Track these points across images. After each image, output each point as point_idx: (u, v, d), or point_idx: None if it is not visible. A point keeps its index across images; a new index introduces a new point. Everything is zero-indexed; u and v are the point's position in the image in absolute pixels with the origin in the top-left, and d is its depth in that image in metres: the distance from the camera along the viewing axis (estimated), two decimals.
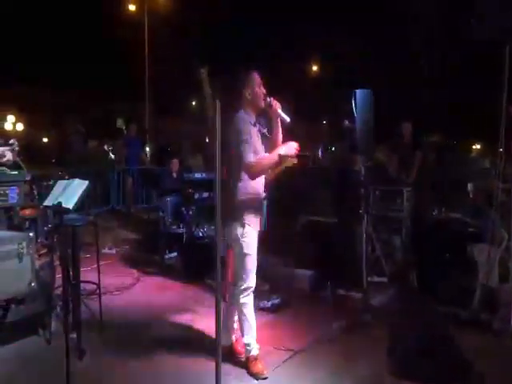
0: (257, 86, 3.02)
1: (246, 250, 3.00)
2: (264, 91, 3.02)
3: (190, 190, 6.08)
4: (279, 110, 3.01)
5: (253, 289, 3.12)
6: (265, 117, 3.11)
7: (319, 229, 5.09)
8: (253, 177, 2.94)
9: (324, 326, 3.67)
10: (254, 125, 3.02)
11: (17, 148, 3.94)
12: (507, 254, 3.60)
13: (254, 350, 3.06)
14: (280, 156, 2.86)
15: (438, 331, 3.24)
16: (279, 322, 3.85)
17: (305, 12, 16.29)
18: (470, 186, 5.20)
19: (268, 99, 2.99)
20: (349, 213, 4.62)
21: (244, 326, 3.10)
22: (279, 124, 3.07)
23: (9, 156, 3.81)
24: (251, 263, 3.06)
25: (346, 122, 4.38)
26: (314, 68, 23.51)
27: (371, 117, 4.24)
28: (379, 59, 14.43)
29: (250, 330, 3.08)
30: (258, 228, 3.06)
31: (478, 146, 14.96)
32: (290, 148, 2.90)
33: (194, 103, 24.37)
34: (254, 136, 2.96)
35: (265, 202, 4.91)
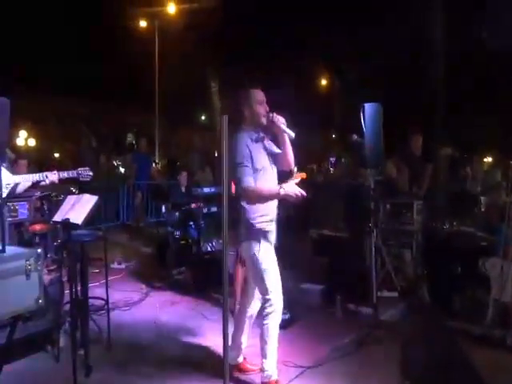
0: (257, 103, 2.96)
1: (263, 266, 2.91)
2: (267, 108, 2.96)
3: (199, 205, 6.09)
4: (282, 126, 2.93)
5: (277, 310, 2.95)
6: (271, 133, 3.07)
7: (329, 243, 5.06)
8: (249, 202, 2.89)
9: (334, 341, 3.62)
10: (257, 141, 2.97)
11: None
12: None
13: (274, 376, 2.95)
14: (282, 194, 2.78)
15: (450, 347, 3.17)
16: (289, 337, 3.79)
17: (315, 24, 16.40)
18: (482, 200, 5.14)
19: (270, 115, 2.93)
20: (359, 227, 4.58)
21: (264, 349, 2.97)
22: (286, 139, 2.99)
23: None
24: (270, 279, 2.93)
25: (355, 136, 4.37)
26: (323, 82, 23.62)
27: (380, 130, 4.22)
28: (389, 72, 14.44)
29: (271, 355, 2.96)
30: (273, 243, 3.00)
31: (490, 159, 14.81)
32: (295, 191, 2.78)
33: (203, 117, 24.60)
34: (256, 153, 2.90)
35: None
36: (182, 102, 19.05)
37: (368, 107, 4.18)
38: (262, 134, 3.01)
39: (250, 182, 2.84)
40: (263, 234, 2.93)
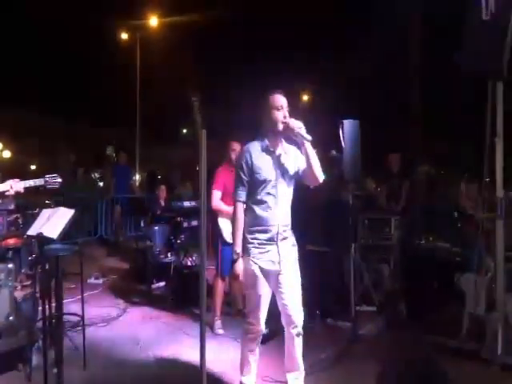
0: (273, 108, 2.78)
1: (249, 288, 2.84)
2: (285, 113, 2.78)
3: (179, 219, 6.06)
4: (297, 130, 2.73)
5: (256, 332, 2.89)
6: (294, 141, 2.88)
7: (309, 258, 5.06)
8: (245, 214, 2.84)
9: (313, 356, 3.61)
10: (265, 151, 2.82)
11: None
12: (493, 283, 3.61)
13: None
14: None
15: (426, 360, 3.20)
16: (267, 353, 3.76)
17: (293, 41, 16.70)
18: (457, 215, 5.25)
19: (286, 120, 2.76)
20: (337, 242, 4.62)
21: (241, 363, 2.98)
22: (307, 149, 2.76)
23: None
24: (253, 302, 2.84)
25: (333, 152, 4.44)
26: (305, 97, 23.93)
27: (358, 146, 4.30)
28: (369, 89, 14.75)
29: (247, 372, 2.96)
30: (266, 266, 2.80)
31: (466, 175, 15.19)
32: None
33: (184, 131, 24.58)
34: (259, 164, 2.79)
35: None
36: (163, 116, 19.05)
37: (347, 124, 4.27)
38: (269, 145, 2.84)
39: (238, 193, 2.84)
40: (253, 253, 2.79)
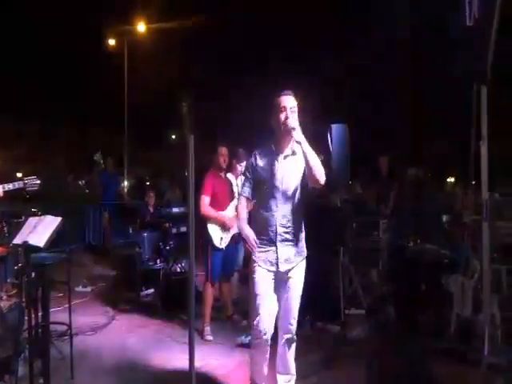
0: (277, 110, 2.78)
1: (251, 289, 2.87)
2: (287, 114, 2.74)
3: (168, 225, 6.02)
4: (293, 132, 2.70)
5: (262, 336, 2.84)
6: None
7: None
8: (252, 213, 2.98)
9: (302, 359, 3.60)
10: (273, 153, 2.84)
11: None
12: (480, 284, 3.65)
13: None
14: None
15: (414, 362, 3.22)
16: None
17: (279, 44, 16.77)
18: (444, 218, 5.31)
19: (285, 122, 2.73)
20: (326, 246, 4.63)
21: (251, 370, 3.02)
22: (305, 149, 2.71)
23: None
24: (252, 302, 2.86)
25: (321, 157, 4.45)
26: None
27: (347, 150, 4.33)
28: (356, 93, 14.86)
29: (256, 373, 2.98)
30: (269, 266, 2.83)
31: (453, 179, 15.35)
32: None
33: (174, 136, 24.50)
34: (266, 167, 2.84)
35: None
36: (152, 121, 18.97)
37: (335, 128, 4.30)
38: (275, 147, 2.85)
39: (243, 189, 2.94)
40: (256, 252, 2.83)
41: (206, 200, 4.34)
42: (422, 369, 3.12)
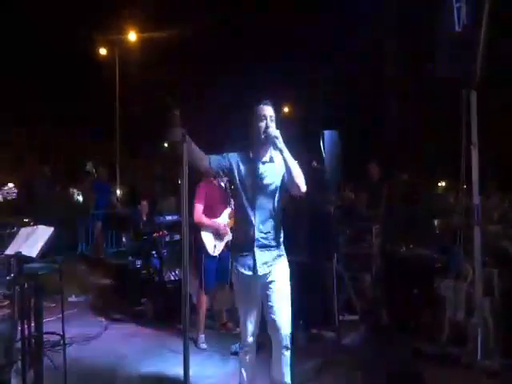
0: (257, 118, 2.80)
1: (235, 298, 2.91)
2: (268, 123, 2.78)
3: (161, 233, 6.00)
4: (273, 140, 2.73)
5: (246, 345, 2.91)
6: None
7: (291, 268, 5.08)
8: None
9: (297, 366, 3.59)
10: (250, 161, 2.86)
11: None
12: (473, 288, 3.68)
13: None
14: None
15: (408, 366, 3.24)
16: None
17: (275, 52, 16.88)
18: (436, 222, 5.35)
19: (267, 131, 2.77)
20: (319, 252, 4.65)
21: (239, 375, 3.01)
22: (285, 157, 2.73)
23: None
24: (241, 314, 2.89)
25: (314, 163, 4.49)
26: (285, 109, 24.14)
27: (339, 156, 4.37)
28: (347, 98, 14.97)
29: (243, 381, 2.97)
30: (248, 271, 2.82)
31: (444, 183, 15.49)
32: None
33: (166, 144, 24.47)
34: (244, 173, 2.84)
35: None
36: (144, 130, 18.93)
37: (327, 134, 4.33)
38: (252, 155, 2.86)
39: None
40: (236, 258, 2.88)
41: (199, 208, 4.34)
42: (415, 374, 3.13)
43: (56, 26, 16.40)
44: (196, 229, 4.33)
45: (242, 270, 2.85)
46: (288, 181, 2.80)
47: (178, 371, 3.49)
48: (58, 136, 18.63)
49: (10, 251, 3.25)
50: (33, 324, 3.19)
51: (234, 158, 2.88)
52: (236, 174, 2.85)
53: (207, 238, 4.35)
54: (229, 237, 4.50)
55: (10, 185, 3.42)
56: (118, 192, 12.82)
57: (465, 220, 4.02)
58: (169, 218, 6.38)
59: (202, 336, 4.32)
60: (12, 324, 3.38)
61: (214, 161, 2.81)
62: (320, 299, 4.46)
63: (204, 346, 4.25)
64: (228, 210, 4.55)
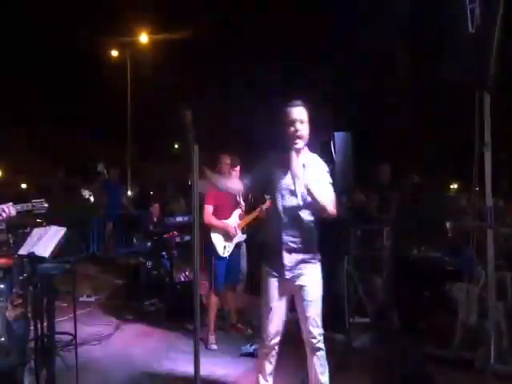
0: (285, 123, 2.75)
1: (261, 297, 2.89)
2: (297, 127, 2.72)
3: (171, 234, 6.04)
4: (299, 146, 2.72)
5: (266, 347, 2.87)
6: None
7: None
8: None
9: (307, 369, 3.59)
10: (280, 165, 2.82)
11: None
12: (485, 291, 3.63)
13: None
14: None
15: (420, 371, 3.21)
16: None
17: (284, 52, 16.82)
18: (448, 225, 5.30)
19: (294, 136, 2.72)
20: (330, 254, 4.63)
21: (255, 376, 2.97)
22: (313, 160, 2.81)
23: None
24: (265, 313, 2.86)
25: (330, 167, 4.47)
26: None
27: (350, 158, 4.34)
28: (358, 101, 14.88)
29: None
30: (275, 273, 2.83)
31: (456, 186, 15.32)
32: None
33: (176, 146, 24.56)
34: (274, 177, 2.82)
35: (243, 244, 4.94)
36: (155, 131, 19.02)
37: (338, 136, 4.32)
38: (283, 159, 2.82)
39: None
40: (266, 261, 2.89)
41: (209, 209, 4.36)
42: (426, 376, 3.10)
43: (56, 26, 16.51)
44: (206, 230, 4.34)
45: (271, 272, 2.85)
46: (319, 211, 2.76)
47: (189, 371, 3.52)
48: (58, 136, 18.73)
49: (23, 251, 3.29)
50: (45, 324, 3.22)
51: (266, 167, 2.87)
52: (269, 179, 2.85)
53: (217, 239, 4.36)
54: (238, 238, 4.51)
55: (41, 199, 3.45)
56: (129, 193, 12.89)
57: (477, 222, 3.98)
58: (179, 219, 6.42)
59: (213, 337, 4.34)
60: (25, 323, 3.43)
61: (249, 185, 2.93)
62: (330, 301, 4.43)
63: (214, 346, 4.27)
64: (238, 211, 4.56)
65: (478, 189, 3.92)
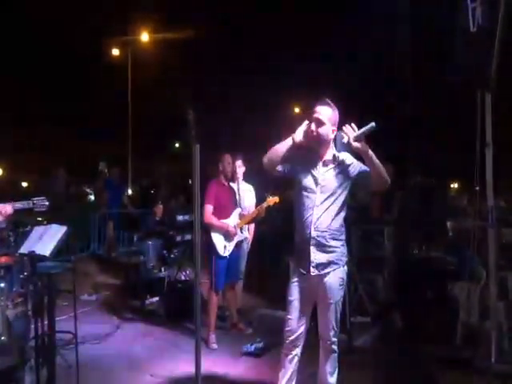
0: (310, 121, 2.77)
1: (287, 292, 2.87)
2: (313, 128, 2.75)
3: (172, 233, 6.03)
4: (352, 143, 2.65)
5: (288, 337, 2.84)
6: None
7: None
8: None
9: (309, 368, 3.59)
10: (308, 159, 2.85)
11: None
12: (486, 291, 3.63)
13: None
14: None
15: (421, 369, 3.21)
16: (262, 365, 3.75)
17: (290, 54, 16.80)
18: (449, 225, 5.29)
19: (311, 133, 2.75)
20: None
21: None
22: (365, 154, 2.68)
23: None
24: (288, 310, 2.85)
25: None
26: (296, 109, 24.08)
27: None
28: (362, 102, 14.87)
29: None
30: (301, 269, 2.80)
31: (456, 185, 15.31)
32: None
33: (177, 145, 24.59)
34: (301, 171, 2.84)
35: (245, 242, 4.94)
36: (156, 130, 19.03)
37: (339, 135, 4.30)
38: (309, 154, 2.85)
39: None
40: (293, 257, 2.88)
41: (209, 208, 4.36)
42: (427, 376, 3.10)
43: (56, 26, 16.52)
44: (206, 229, 4.34)
45: (297, 268, 2.84)
46: (374, 179, 2.74)
47: (189, 370, 3.51)
48: (58, 136, 18.73)
49: (23, 250, 3.28)
50: (46, 322, 3.21)
51: (294, 159, 2.86)
52: (295, 173, 2.85)
53: (217, 238, 4.36)
54: (238, 237, 4.51)
55: (42, 197, 3.45)
56: (130, 192, 12.90)
57: (478, 222, 3.97)
58: (179, 217, 6.41)
59: (213, 336, 4.33)
60: (26, 322, 3.43)
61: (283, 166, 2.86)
62: None
63: (215, 345, 4.26)
64: (238, 210, 4.56)
65: (478, 188, 3.92)
